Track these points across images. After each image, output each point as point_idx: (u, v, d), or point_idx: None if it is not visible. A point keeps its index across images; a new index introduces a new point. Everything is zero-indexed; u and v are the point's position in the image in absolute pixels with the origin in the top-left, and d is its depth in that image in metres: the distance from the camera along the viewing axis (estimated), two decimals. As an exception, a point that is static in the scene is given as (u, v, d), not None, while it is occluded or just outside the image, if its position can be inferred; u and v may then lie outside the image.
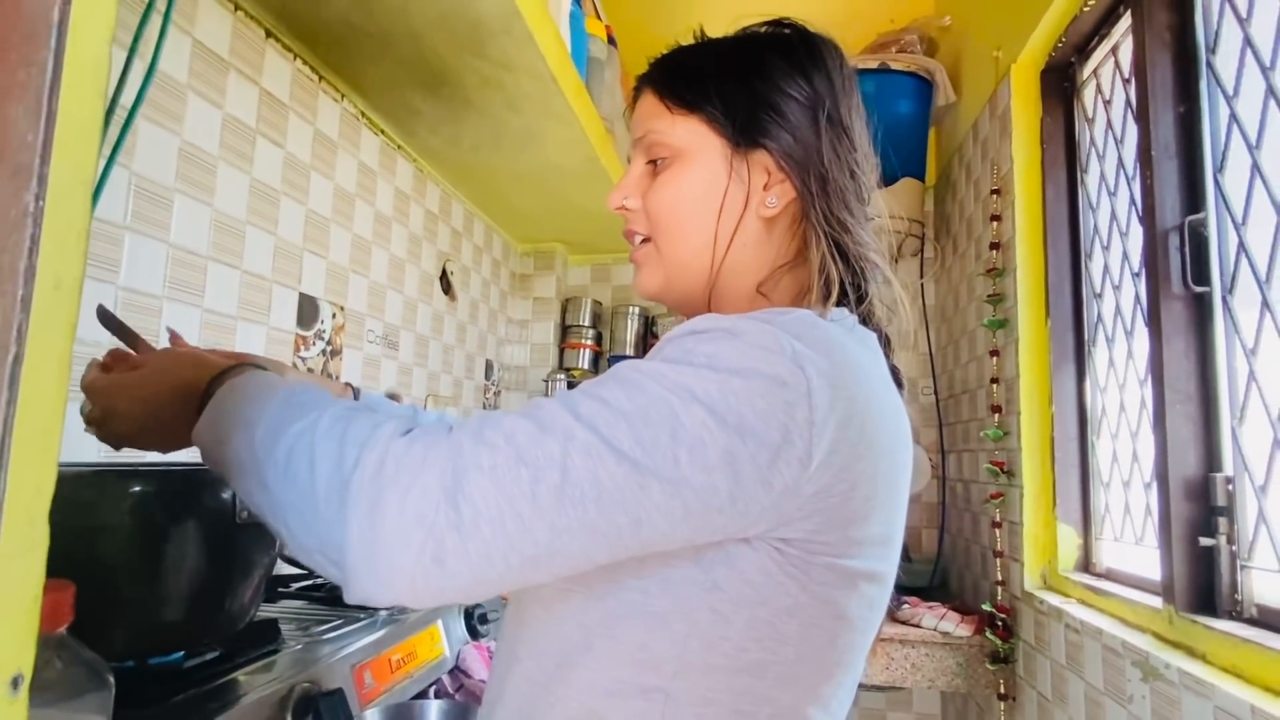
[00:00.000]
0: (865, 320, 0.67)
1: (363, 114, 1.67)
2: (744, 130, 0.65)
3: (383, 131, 1.75)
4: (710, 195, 0.65)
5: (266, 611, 1.07)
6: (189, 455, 1.04)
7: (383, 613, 1.11)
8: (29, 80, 0.33)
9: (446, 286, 2.13)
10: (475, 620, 1.23)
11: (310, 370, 1.51)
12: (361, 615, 1.08)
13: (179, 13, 1.06)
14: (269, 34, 1.35)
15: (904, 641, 1.82)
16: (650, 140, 0.67)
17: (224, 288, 1.26)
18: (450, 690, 1.11)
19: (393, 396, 1.83)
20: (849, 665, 0.59)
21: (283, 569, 1.24)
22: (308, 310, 1.49)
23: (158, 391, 0.64)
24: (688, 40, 0.73)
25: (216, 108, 1.23)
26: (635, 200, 0.68)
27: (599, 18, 2.05)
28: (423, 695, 1.06)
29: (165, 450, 0.67)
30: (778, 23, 0.71)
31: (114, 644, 0.73)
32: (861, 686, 2.30)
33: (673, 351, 0.53)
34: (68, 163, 0.37)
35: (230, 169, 1.26)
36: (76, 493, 0.70)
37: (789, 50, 0.67)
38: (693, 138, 0.66)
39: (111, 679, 0.50)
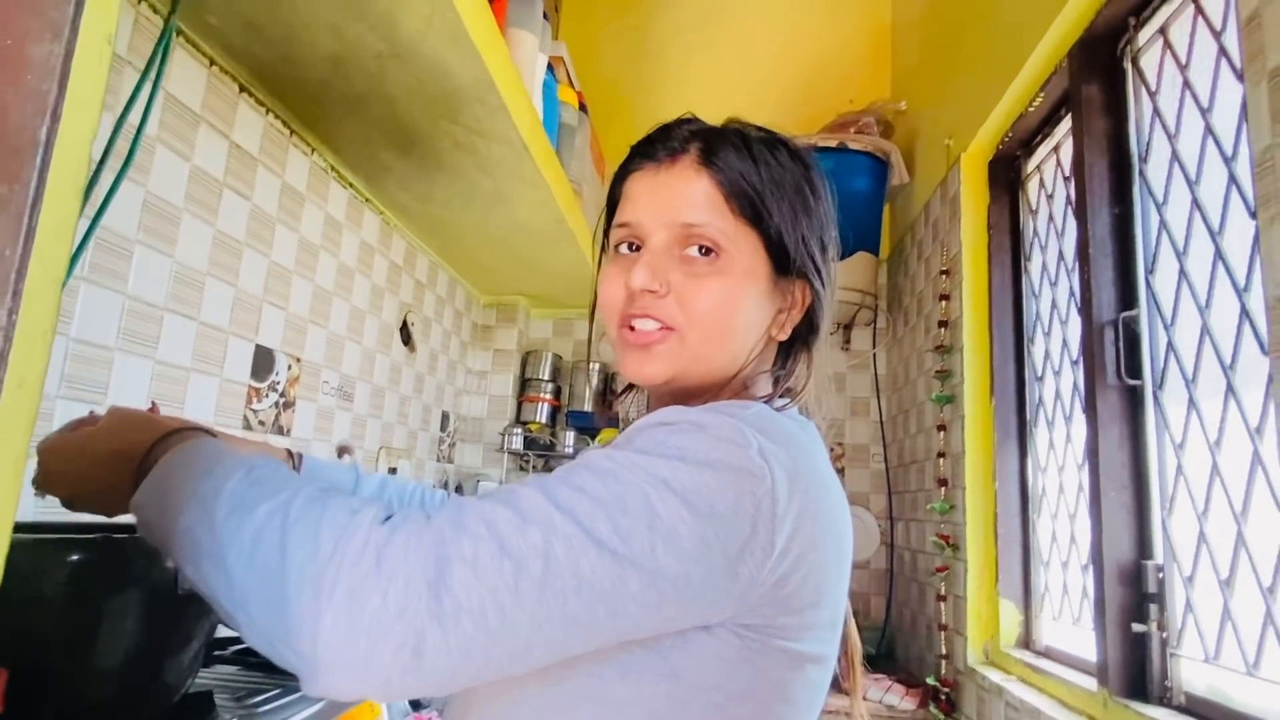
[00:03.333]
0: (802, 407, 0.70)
1: (332, 167, 1.68)
2: (789, 260, 0.66)
3: (351, 185, 1.76)
4: (759, 314, 0.66)
5: (203, 679, 1.03)
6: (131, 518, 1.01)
7: (322, 681, 1.08)
8: (10, 196, 0.33)
9: (406, 337, 2.12)
10: (418, 690, 1.20)
11: (262, 423, 1.48)
12: (300, 684, 1.05)
13: (154, 71, 1.06)
14: (243, 89, 1.36)
15: (849, 715, 1.82)
16: (703, 232, 0.64)
17: (179, 339, 1.24)
18: (388, 765, 1.07)
19: (344, 449, 1.81)
20: None
21: (221, 631, 1.19)
22: (263, 362, 1.47)
23: (94, 452, 0.61)
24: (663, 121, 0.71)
25: (184, 160, 1.23)
26: (665, 288, 0.64)
27: (571, 85, 2.11)
28: (360, 771, 1.03)
29: (106, 515, 0.65)
30: (804, 150, 0.71)
31: (41, 718, 0.70)
32: (806, 756, 2.28)
33: (644, 442, 0.55)
34: (42, 269, 0.38)
35: (194, 220, 1.26)
36: (15, 561, 0.67)
37: (819, 181, 0.69)
38: (749, 250, 0.65)
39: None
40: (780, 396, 0.68)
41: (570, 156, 1.98)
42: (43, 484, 0.66)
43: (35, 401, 0.40)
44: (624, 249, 0.68)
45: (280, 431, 1.55)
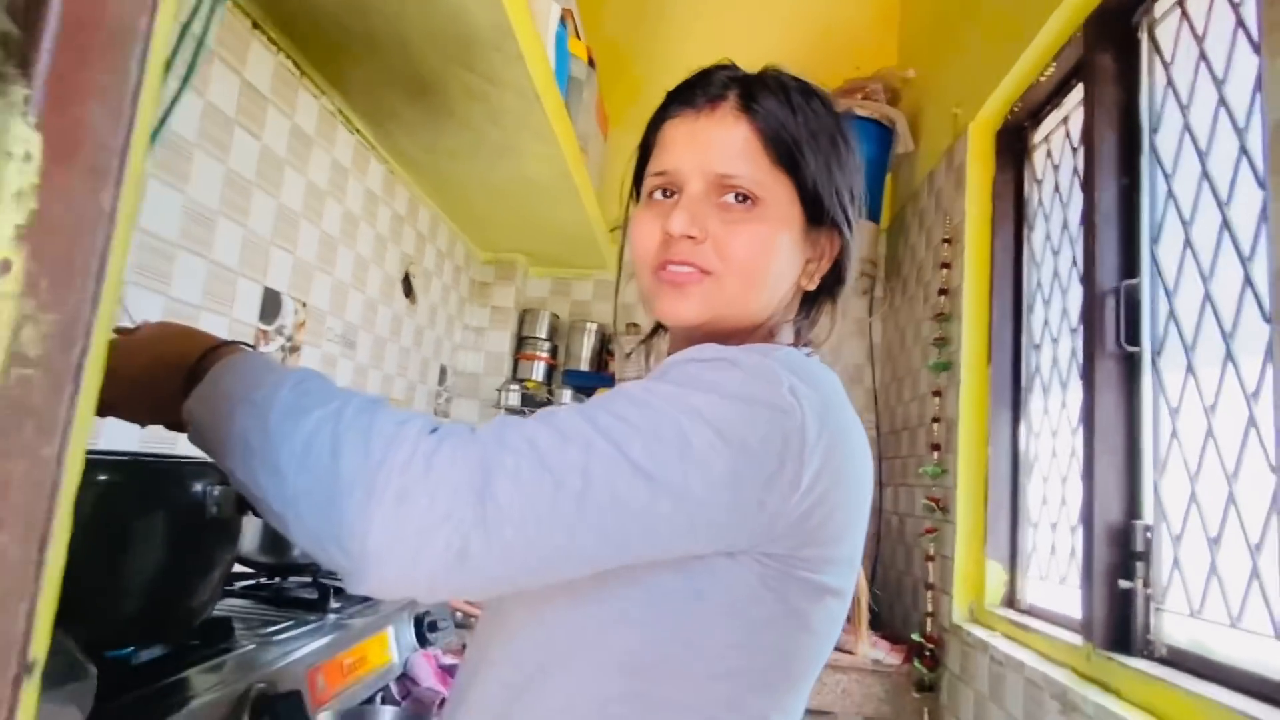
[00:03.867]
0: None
1: (340, 111, 1.66)
2: (822, 208, 0.67)
3: (358, 131, 1.75)
4: (793, 260, 0.68)
5: (216, 610, 1.05)
6: (160, 443, 1.02)
7: (331, 616, 1.11)
8: (111, 85, 0.34)
9: (408, 290, 2.12)
10: (425, 628, 1.22)
11: (268, 365, 1.49)
12: (311, 617, 1.07)
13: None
14: (255, 25, 1.34)
15: (835, 667, 1.87)
16: (740, 182, 0.65)
17: (191, 277, 1.24)
18: (398, 697, 1.10)
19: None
20: (810, 675, 0.64)
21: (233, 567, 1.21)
22: (271, 305, 1.47)
23: (142, 359, 0.61)
24: (667, 85, 0.72)
25: (199, 95, 1.21)
26: (701, 233, 0.65)
27: (579, 38, 2.09)
28: (370, 701, 1.05)
29: (145, 422, 0.63)
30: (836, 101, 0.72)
31: (68, 633, 0.71)
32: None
33: (679, 375, 0.57)
34: (134, 162, 0.39)
35: (207, 157, 1.25)
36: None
37: (850, 133, 0.70)
38: (784, 198, 0.66)
39: (94, 670, 0.50)
40: (804, 345, 0.70)
41: (578, 111, 1.97)
42: None
43: (118, 298, 0.41)
44: (658, 195, 0.69)
45: (285, 375, 1.55)
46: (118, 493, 0.73)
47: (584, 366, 2.73)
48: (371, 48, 1.41)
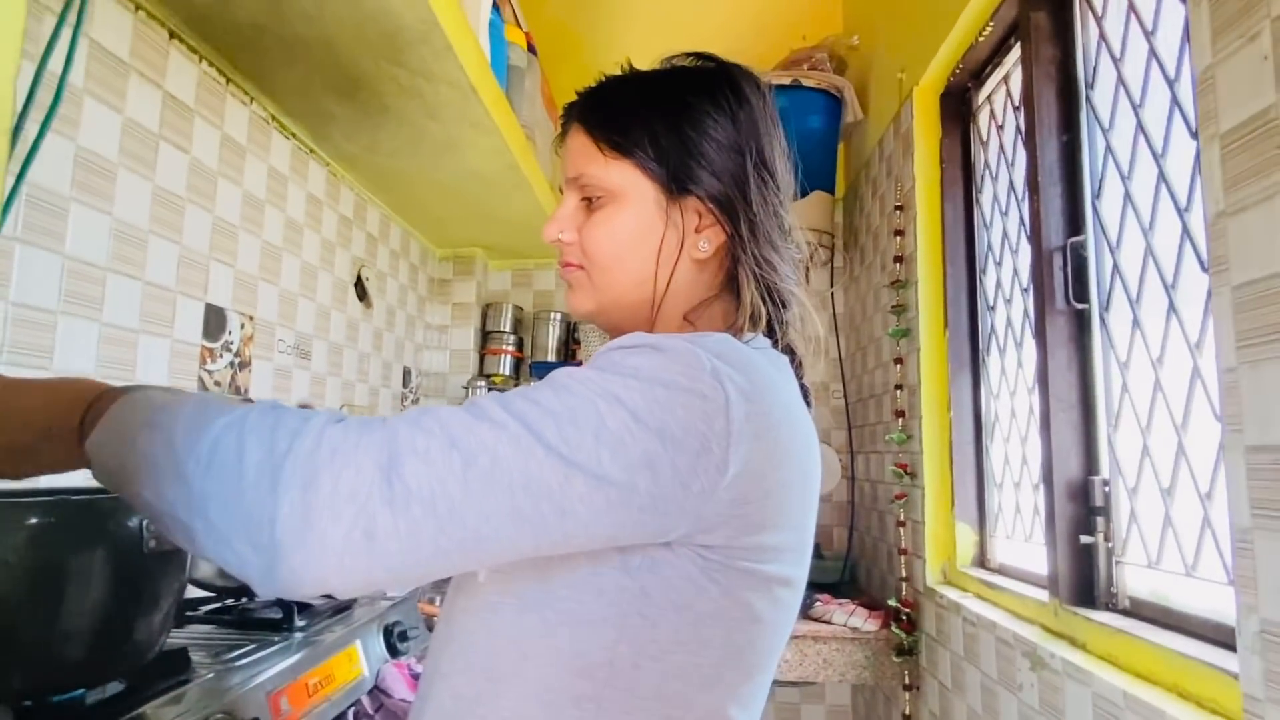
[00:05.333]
0: (786, 347, 0.72)
1: (274, 117, 1.62)
2: (676, 178, 0.67)
3: (294, 135, 1.70)
4: (645, 238, 0.68)
5: (175, 638, 1.03)
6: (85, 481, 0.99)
7: (298, 635, 1.09)
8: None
9: (361, 293, 2.08)
10: (395, 638, 1.21)
11: (218, 384, 1.45)
12: (276, 638, 1.06)
13: (73, 12, 1.00)
14: (172, 35, 1.29)
15: (816, 638, 1.89)
16: (584, 182, 0.69)
17: (124, 300, 1.20)
18: (370, 711, 1.09)
19: (305, 407, 1.79)
20: (765, 666, 0.64)
21: (191, 593, 1.19)
22: (214, 321, 1.44)
23: (14, 419, 0.57)
24: (613, 69, 0.75)
25: (116, 111, 1.17)
26: (571, 234, 0.71)
27: (519, 25, 2.05)
28: (341, 718, 1.04)
29: (20, 476, 0.60)
30: (703, 57, 0.73)
31: (11, 683, 0.69)
32: (776, 682, 2.38)
33: (602, 362, 0.57)
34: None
35: (131, 175, 1.21)
36: (-32, 528, 0.66)
37: (716, 91, 0.69)
38: (626, 181, 0.68)
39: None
40: (749, 329, 0.69)
41: (521, 100, 1.94)
42: None
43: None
44: None
45: (237, 392, 1.52)
46: (49, 534, 0.70)
47: (550, 357, 2.71)
48: (297, 50, 1.37)
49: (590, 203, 0.70)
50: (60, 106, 1.00)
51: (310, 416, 0.52)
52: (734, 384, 0.56)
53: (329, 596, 0.56)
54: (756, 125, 0.70)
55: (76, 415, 0.56)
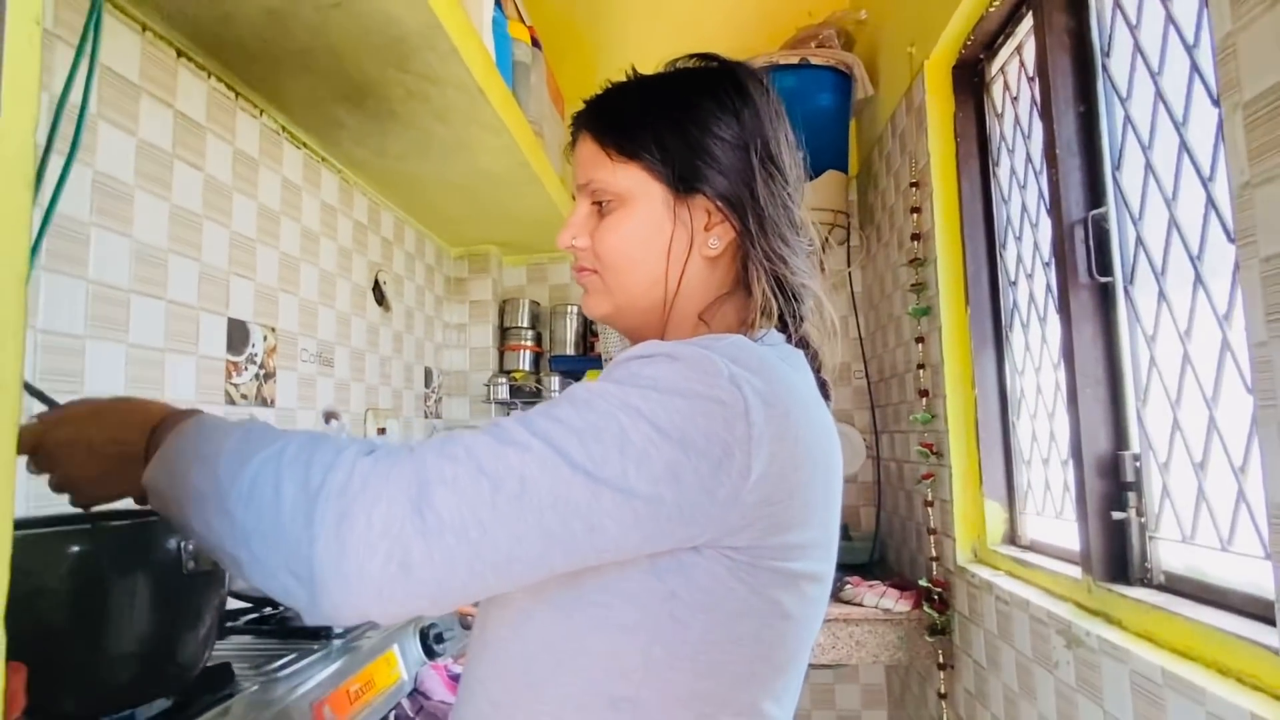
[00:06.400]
0: (801, 340, 0.71)
1: (284, 128, 1.62)
2: (683, 178, 0.68)
3: (305, 145, 1.71)
4: (655, 239, 0.69)
5: (218, 651, 1.05)
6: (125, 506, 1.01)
7: (337, 641, 1.11)
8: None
9: (380, 297, 2.09)
10: (431, 640, 1.23)
11: (245, 396, 1.47)
12: (315, 646, 1.08)
13: (89, 43, 1.01)
14: (180, 54, 1.30)
15: (848, 620, 1.89)
16: (594, 188, 0.70)
17: (149, 320, 1.22)
18: (410, 714, 1.11)
19: (331, 415, 1.81)
20: (798, 660, 0.65)
21: (230, 604, 1.21)
22: (237, 335, 1.45)
23: (92, 440, 0.62)
24: (617, 59, 0.75)
25: (130, 134, 1.18)
26: (584, 239, 0.72)
27: (522, 20, 2.04)
28: (383, 722, 1.06)
29: (100, 501, 0.65)
30: (705, 57, 0.73)
31: (64, 709, 0.71)
32: (810, 665, 2.38)
33: (619, 374, 0.58)
34: (4, 266, 0.37)
35: (148, 196, 1.22)
36: (15, 559, 0.68)
37: (719, 90, 0.69)
38: (635, 184, 0.69)
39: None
40: (762, 329, 0.69)
41: (528, 96, 1.93)
42: (42, 467, 0.65)
43: (17, 402, 0.40)
44: None
45: (264, 403, 1.54)
46: (91, 561, 0.72)
47: (569, 350, 2.71)
48: (302, 61, 1.37)
49: (601, 207, 0.71)
50: (65, 128, 1.01)
51: (342, 449, 0.54)
52: (752, 388, 0.56)
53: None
54: (761, 120, 0.69)
55: (141, 443, 0.60)
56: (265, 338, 1.55)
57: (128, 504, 0.65)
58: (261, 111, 1.55)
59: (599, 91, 0.74)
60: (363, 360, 2.00)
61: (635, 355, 0.59)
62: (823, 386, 0.72)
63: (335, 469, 0.52)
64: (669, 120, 0.68)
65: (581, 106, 0.74)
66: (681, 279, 0.69)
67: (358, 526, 0.50)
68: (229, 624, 1.18)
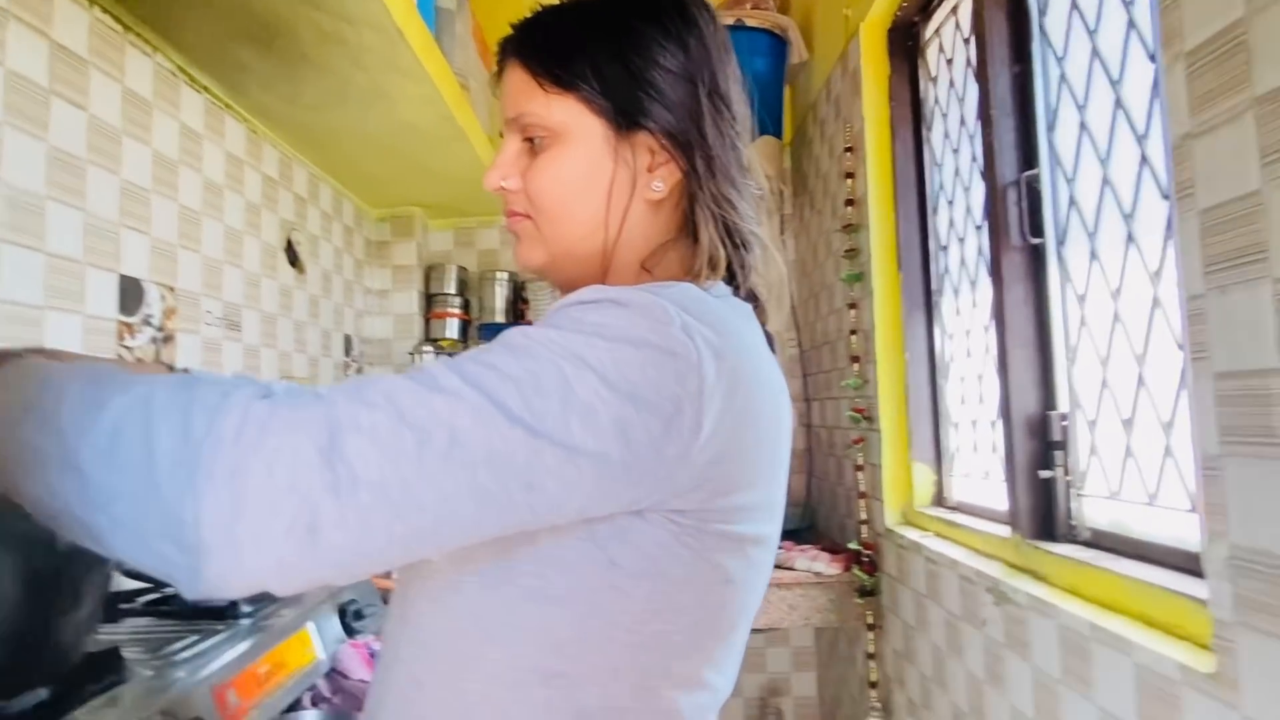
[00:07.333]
0: (749, 292, 0.67)
1: (181, 69, 1.49)
2: (624, 112, 0.61)
3: (206, 89, 1.58)
4: (594, 180, 0.62)
5: (110, 635, 0.96)
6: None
7: (246, 621, 1.03)
8: None
9: (293, 258, 1.97)
10: (350, 617, 1.16)
11: (140, 360, 1.35)
12: (221, 627, 0.99)
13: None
14: (55, -24, 1.16)
15: (780, 585, 1.90)
16: (525, 122, 0.63)
17: (23, 274, 1.09)
18: (328, 694, 1.05)
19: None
20: (740, 627, 0.61)
21: (124, 583, 1.12)
22: (131, 294, 1.33)
23: None
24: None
25: (-6, 63, 1.05)
26: (514, 180, 0.64)
27: (445, -35, 1.92)
28: (296, 705, 0.99)
29: None
30: None
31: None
32: (742, 630, 2.40)
33: (562, 320, 0.52)
34: None
35: (20, 135, 1.09)
36: None
37: (662, 16, 0.63)
38: (570, 118, 0.62)
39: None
40: (709, 275, 0.64)
41: (453, 45, 1.83)
42: None
43: None
44: None
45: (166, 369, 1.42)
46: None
47: (499, 319, 2.63)
48: (200, -8, 1.25)
49: (533, 145, 0.64)
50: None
51: (230, 390, 0.45)
52: (704, 339, 0.52)
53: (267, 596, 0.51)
54: (708, 51, 0.64)
55: None
56: (163, 297, 1.42)
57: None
58: (155, 49, 1.41)
59: (529, 14, 0.66)
60: (275, 325, 1.88)
61: (578, 300, 0.53)
62: (769, 340, 0.68)
63: (224, 413, 0.43)
64: (609, 47, 0.62)
65: (509, 32, 0.67)
66: (623, 224, 0.63)
67: (254, 481, 0.42)
68: (123, 606, 1.08)
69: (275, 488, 0.42)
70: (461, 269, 2.67)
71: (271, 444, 0.43)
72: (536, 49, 0.63)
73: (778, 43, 2.33)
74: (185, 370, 0.71)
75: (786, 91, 2.53)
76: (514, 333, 0.51)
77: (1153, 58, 0.98)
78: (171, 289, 1.45)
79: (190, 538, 0.42)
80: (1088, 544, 1.17)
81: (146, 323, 1.37)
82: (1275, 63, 0.68)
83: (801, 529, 2.40)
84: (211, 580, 0.43)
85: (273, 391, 0.46)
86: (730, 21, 2.27)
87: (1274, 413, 0.69)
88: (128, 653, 0.85)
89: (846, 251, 1.95)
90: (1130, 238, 1.05)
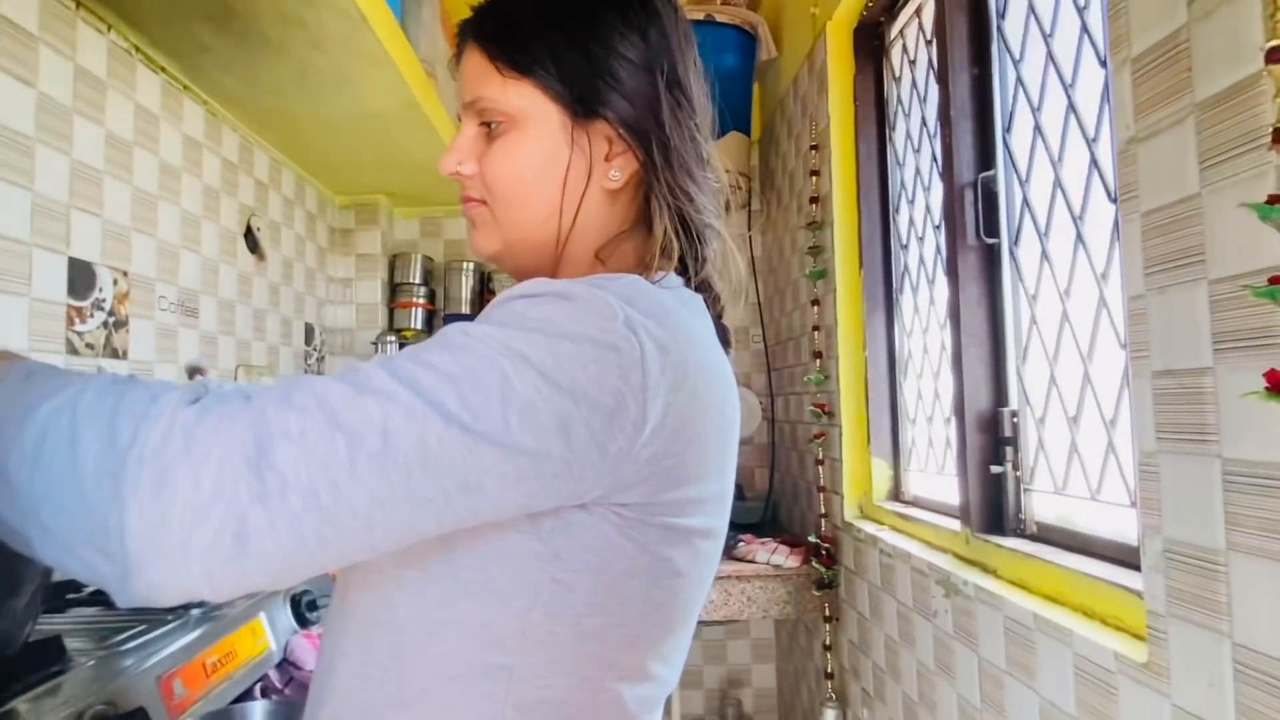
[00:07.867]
0: (701, 284, 0.67)
1: (137, 48, 1.45)
2: (582, 99, 0.61)
3: (163, 69, 1.54)
4: (550, 167, 0.62)
5: (54, 625, 0.94)
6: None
7: (196, 611, 1.02)
8: None
9: (253, 244, 1.94)
10: (303, 608, 1.15)
11: (90, 346, 1.32)
12: (170, 617, 0.98)
13: None
14: (2, -52, 1.13)
15: (740, 577, 1.92)
16: (481, 106, 0.63)
17: (-35, 254, 1.06)
18: (279, 685, 1.03)
19: (196, 370, 1.66)
20: (687, 619, 0.62)
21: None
22: (81, 277, 1.30)
23: None
24: None
25: (-64, 36, 1.02)
26: (470, 165, 0.64)
27: (412, -50, 1.90)
28: (247, 696, 0.98)
29: None
30: None
31: None
32: (702, 622, 2.42)
33: (502, 315, 0.51)
34: None
35: (-38, 111, 1.06)
36: None
37: (624, 4, 0.63)
38: (527, 104, 0.61)
39: None
40: (659, 268, 0.64)
41: (418, 31, 1.81)
42: None
43: None
44: None
45: (115, 355, 1.39)
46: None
47: (465, 309, 2.61)
48: (155, -31, 1.22)
49: (490, 129, 0.63)
50: None
51: (157, 396, 0.45)
52: (648, 333, 0.51)
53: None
54: (669, 41, 0.64)
55: None
56: (116, 281, 1.39)
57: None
58: (110, 27, 1.38)
59: None
60: (233, 312, 1.85)
61: (520, 294, 0.53)
62: (723, 333, 0.68)
63: (150, 420, 0.43)
64: (567, 34, 0.61)
65: (468, 14, 0.66)
66: (578, 213, 0.63)
67: (181, 491, 0.41)
68: (70, 595, 1.06)
69: (201, 497, 0.42)
70: (427, 258, 2.64)
71: (198, 452, 0.42)
72: (495, 33, 0.63)
73: (747, 39, 2.34)
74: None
75: (755, 88, 2.55)
76: (453, 329, 0.51)
77: (1104, 63, 1.00)
78: (125, 273, 1.42)
79: (117, 547, 0.41)
80: (1034, 538, 1.20)
81: (98, 307, 1.34)
82: (1215, 69, 0.70)
83: (764, 522, 2.42)
84: (141, 589, 0.42)
85: (204, 395, 0.46)
86: (700, 17, 2.28)
87: (1207, 411, 0.71)
88: (73, 642, 0.84)
89: (811, 248, 1.97)
90: (1080, 239, 1.07)
